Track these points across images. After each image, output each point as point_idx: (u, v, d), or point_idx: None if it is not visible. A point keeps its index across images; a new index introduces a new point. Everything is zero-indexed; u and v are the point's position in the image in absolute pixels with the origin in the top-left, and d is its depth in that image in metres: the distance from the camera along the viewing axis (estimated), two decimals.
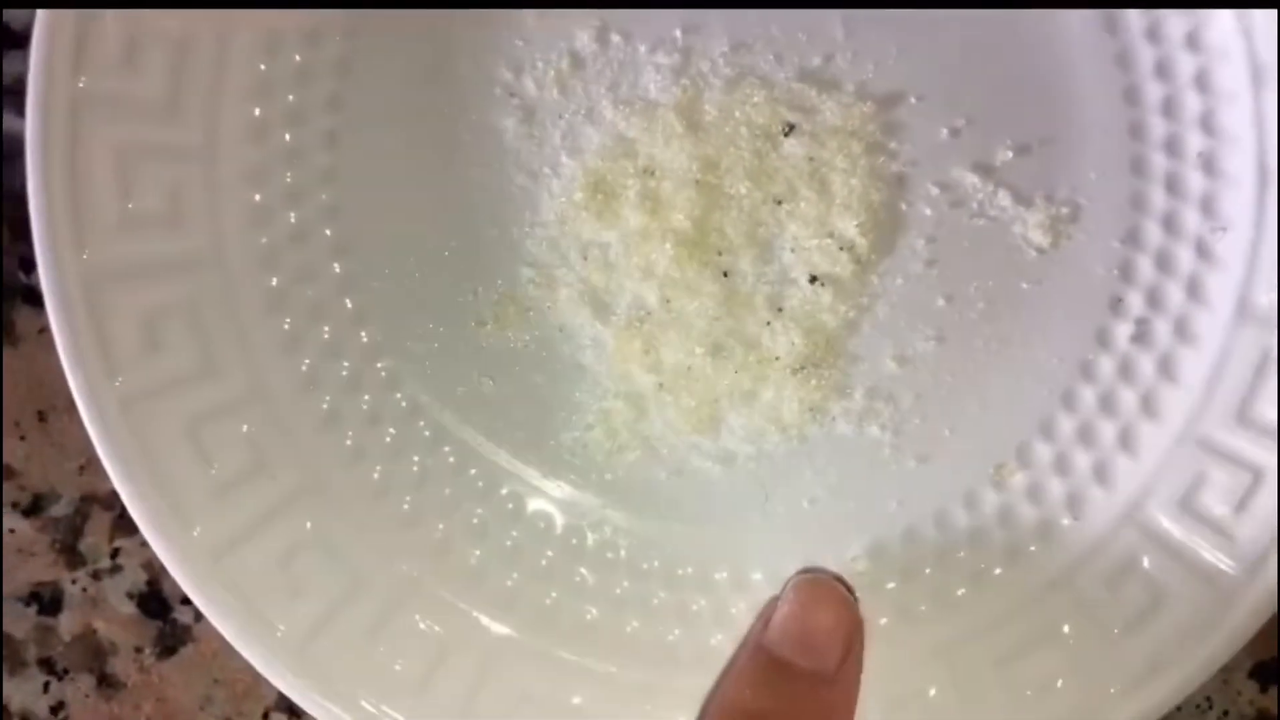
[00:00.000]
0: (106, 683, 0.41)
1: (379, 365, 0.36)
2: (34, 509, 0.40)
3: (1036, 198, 0.35)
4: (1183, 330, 0.35)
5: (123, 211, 0.33)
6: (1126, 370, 0.35)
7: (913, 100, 0.35)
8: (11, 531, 0.40)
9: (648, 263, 0.35)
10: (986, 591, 0.35)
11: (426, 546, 0.36)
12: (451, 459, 0.36)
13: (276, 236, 0.35)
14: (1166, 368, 0.35)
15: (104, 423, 0.33)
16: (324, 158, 0.35)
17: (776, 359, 0.35)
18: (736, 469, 0.36)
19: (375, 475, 0.36)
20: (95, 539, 0.40)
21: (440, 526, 0.36)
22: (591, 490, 0.37)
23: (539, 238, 0.36)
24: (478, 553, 0.36)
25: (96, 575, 0.40)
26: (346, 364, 0.36)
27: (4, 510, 0.40)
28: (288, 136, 0.35)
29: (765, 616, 0.35)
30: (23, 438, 0.40)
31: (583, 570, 0.36)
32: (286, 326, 0.35)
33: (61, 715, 0.41)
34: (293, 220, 0.35)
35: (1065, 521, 0.35)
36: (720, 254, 0.35)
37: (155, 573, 0.40)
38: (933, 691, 0.35)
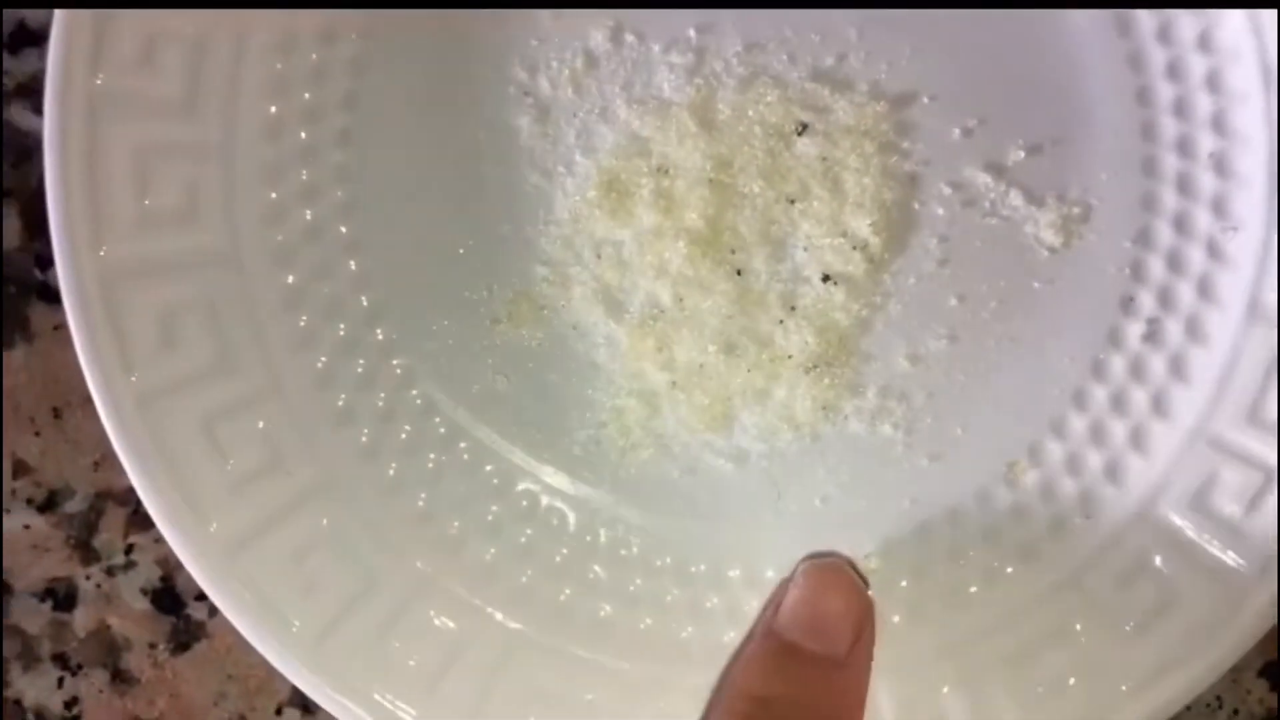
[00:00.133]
0: (120, 678, 0.41)
1: (394, 362, 0.36)
2: (49, 505, 0.40)
3: (1048, 197, 0.35)
4: (1194, 330, 0.35)
5: (140, 209, 0.33)
6: (1138, 369, 0.35)
7: (925, 100, 0.35)
8: (26, 527, 0.40)
9: (661, 261, 0.35)
10: (998, 590, 0.35)
11: (441, 543, 0.36)
12: (466, 456, 0.37)
13: (292, 234, 0.35)
14: (1178, 367, 0.35)
15: (120, 418, 0.33)
16: (339, 155, 0.36)
17: (789, 357, 0.36)
18: (749, 467, 0.36)
19: (390, 472, 0.36)
20: (109, 535, 0.41)
21: (455, 523, 0.36)
22: (605, 488, 0.37)
23: (553, 236, 0.36)
24: (492, 550, 0.36)
25: (111, 571, 0.41)
26: (362, 361, 0.36)
27: (19, 506, 0.40)
28: (303, 134, 0.35)
29: (775, 601, 0.35)
30: (37, 434, 0.40)
31: (596, 567, 0.36)
32: (302, 324, 0.35)
33: (75, 711, 0.41)
34: (308, 218, 0.35)
35: (1077, 520, 0.35)
36: (733, 252, 0.36)
37: (169, 569, 0.41)
38: (944, 690, 0.35)
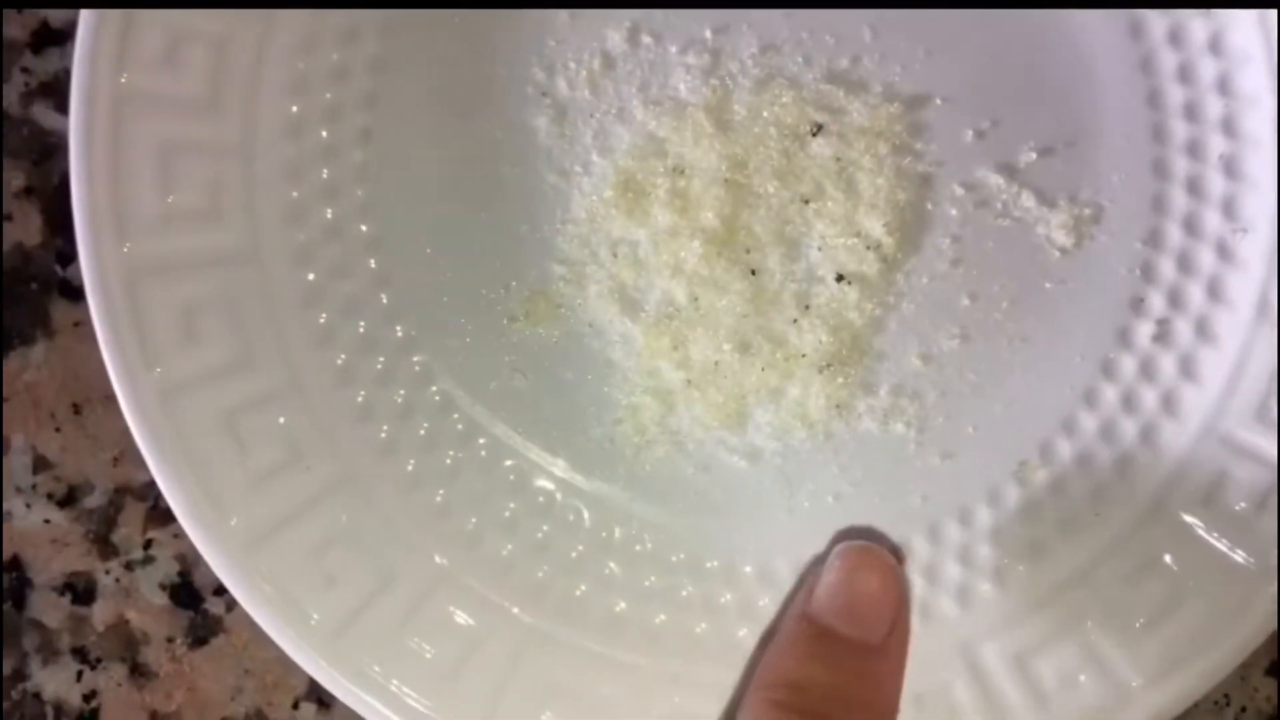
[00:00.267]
0: (138, 672, 0.41)
1: (413, 359, 0.37)
2: (68, 500, 0.41)
3: (1060, 199, 0.36)
4: (1203, 330, 0.35)
5: (163, 206, 0.34)
6: (1148, 369, 0.36)
7: (939, 102, 0.36)
8: (46, 522, 0.41)
9: (677, 260, 0.36)
10: (1009, 587, 0.36)
11: (459, 538, 0.36)
12: (484, 453, 0.37)
13: (313, 232, 0.36)
14: (1187, 367, 0.35)
15: (142, 413, 0.34)
16: (360, 154, 0.36)
17: (803, 356, 0.36)
18: (763, 464, 0.37)
19: (409, 468, 0.36)
20: (128, 530, 0.41)
21: (472, 519, 0.36)
22: (620, 484, 0.37)
23: (570, 235, 0.36)
24: (509, 545, 0.36)
25: (129, 566, 0.41)
26: (381, 358, 0.36)
27: (39, 501, 0.41)
28: (324, 133, 0.36)
29: (810, 583, 0.35)
30: (58, 429, 0.40)
31: (611, 563, 0.37)
32: (322, 321, 0.36)
33: (94, 704, 0.41)
34: (329, 216, 0.36)
35: (1087, 518, 0.35)
36: (748, 252, 0.36)
37: (187, 564, 0.41)
38: (956, 685, 0.35)
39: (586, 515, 0.37)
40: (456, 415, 0.37)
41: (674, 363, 0.36)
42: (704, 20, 0.36)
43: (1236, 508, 0.34)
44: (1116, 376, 0.36)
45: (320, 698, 0.41)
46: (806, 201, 0.36)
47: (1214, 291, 0.35)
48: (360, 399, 0.36)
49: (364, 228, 0.36)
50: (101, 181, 0.33)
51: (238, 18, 0.34)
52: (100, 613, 0.41)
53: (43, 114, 0.40)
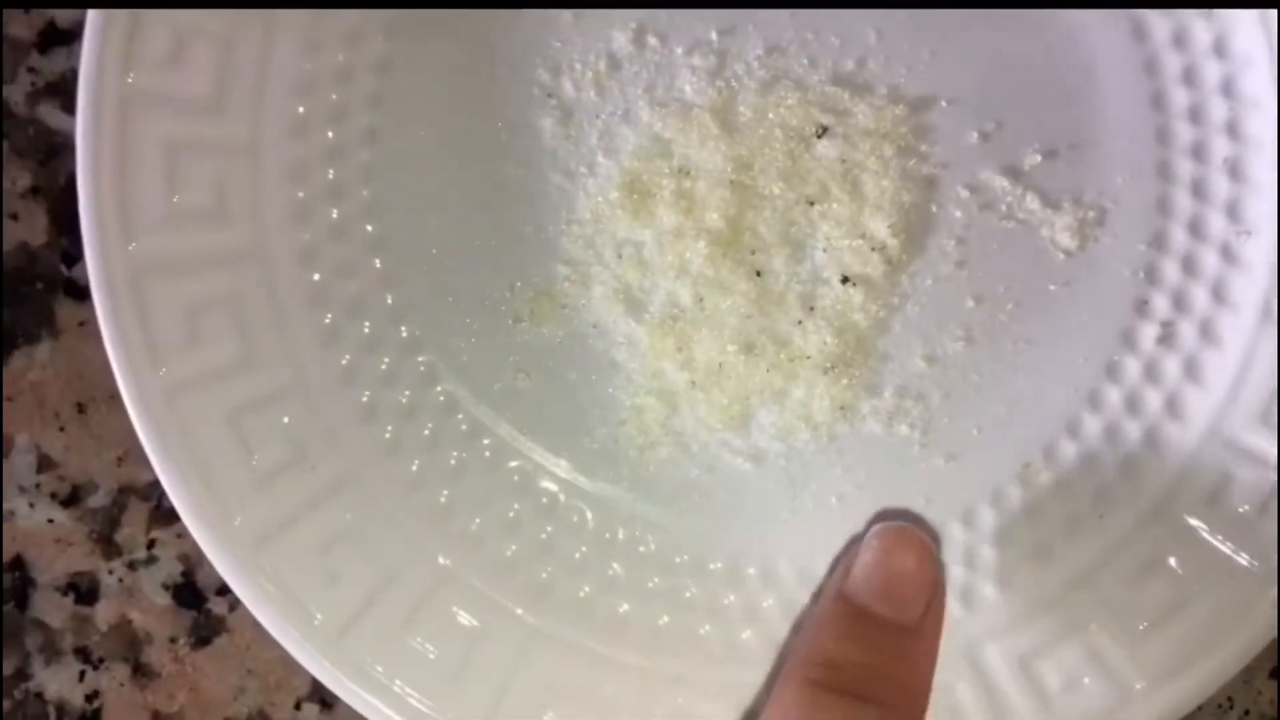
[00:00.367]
0: (141, 672, 0.41)
1: (418, 360, 0.37)
2: (72, 499, 0.41)
3: (1064, 201, 0.36)
4: (1207, 332, 0.35)
5: (169, 205, 0.34)
6: (1152, 371, 0.36)
7: (944, 104, 0.36)
8: (50, 521, 0.41)
9: (681, 261, 0.36)
10: (1013, 589, 0.36)
11: (462, 539, 0.36)
12: (488, 453, 0.37)
13: (318, 232, 0.36)
14: (1191, 369, 0.35)
15: (147, 412, 0.34)
16: (365, 155, 0.36)
17: (808, 357, 0.36)
18: (767, 466, 0.37)
19: (413, 468, 0.36)
20: (132, 530, 0.41)
21: (476, 520, 0.36)
22: (624, 485, 0.37)
23: (575, 236, 0.36)
24: (513, 546, 0.36)
25: (133, 566, 0.41)
26: (386, 358, 0.36)
27: (43, 500, 0.41)
28: (330, 134, 0.36)
29: (846, 563, 0.35)
30: (62, 429, 0.40)
31: (615, 565, 0.37)
32: (327, 321, 0.36)
33: (96, 704, 0.41)
34: (334, 216, 0.36)
35: (1091, 520, 0.35)
36: (753, 253, 0.36)
37: (191, 564, 0.41)
38: (959, 687, 0.35)
39: (590, 516, 0.37)
40: (461, 416, 0.37)
41: (678, 364, 0.36)
42: (709, 22, 0.36)
43: (1240, 510, 0.34)
44: (1120, 378, 0.36)
45: (323, 698, 0.41)
46: (811, 203, 0.36)
47: (1218, 294, 0.35)
48: (365, 399, 0.36)
49: (369, 228, 0.36)
50: (107, 181, 0.33)
51: (244, 18, 0.34)
52: (103, 612, 0.41)
53: (49, 114, 0.40)
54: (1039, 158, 0.36)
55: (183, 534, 0.40)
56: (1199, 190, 0.35)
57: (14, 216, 0.40)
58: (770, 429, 0.37)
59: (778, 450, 0.37)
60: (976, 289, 0.36)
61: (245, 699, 0.41)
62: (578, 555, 0.37)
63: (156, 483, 0.34)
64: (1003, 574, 0.36)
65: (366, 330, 0.36)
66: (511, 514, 0.37)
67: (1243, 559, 0.34)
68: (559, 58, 0.36)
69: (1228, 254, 0.35)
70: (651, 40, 0.36)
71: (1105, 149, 0.36)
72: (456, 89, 0.36)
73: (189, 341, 0.34)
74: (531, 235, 0.37)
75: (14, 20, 0.39)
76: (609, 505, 0.37)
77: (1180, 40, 0.35)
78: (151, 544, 0.41)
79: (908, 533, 0.35)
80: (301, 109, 0.35)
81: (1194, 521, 0.35)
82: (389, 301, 0.36)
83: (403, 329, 0.37)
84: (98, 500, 0.41)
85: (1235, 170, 0.35)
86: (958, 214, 0.36)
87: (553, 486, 0.37)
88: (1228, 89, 0.35)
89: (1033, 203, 0.36)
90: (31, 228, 0.40)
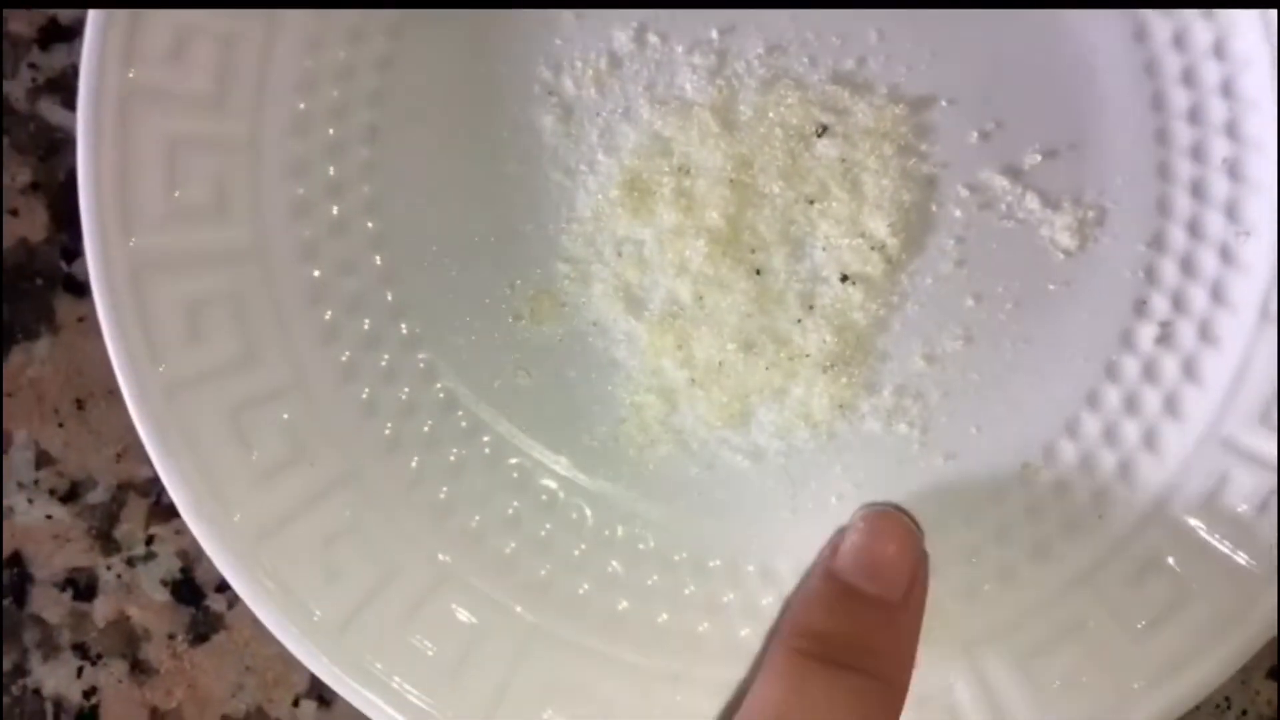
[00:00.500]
0: (139, 669, 0.41)
1: (418, 357, 0.37)
2: (71, 496, 0.41)
3: (1064, 201, 0.36)
4: (1206, 332, 0.35)
5: (169, 201, 0.34)
6: (1151, 371, 0.36)
7: (944, 103, 0.36)
8: (48, 517, 0.41)
9: (681, 259, 0.36)
10: (1012, 588, 0.36)
11: (462, 536, 0.36)
12: (487, 450, 0.37)
13: (318, 229, 0.36)
14: (1190, 369, 0.35)
15: (147, 408, 0.34)
16: (366, 152, 0.36)
17: (807, 356, 0.36)
18: (766, 464, 0.37)
19: (413, 465, 0.36)
20: (131, 526, 0.41)
21: (475, 517, 0.36)
22: (623, 483, 0.37)
23: (575, 234, 0.37)
24: (512, 543, 0.36)
25: (131, 562, 0.41)
26: (386, 355, 0.36)
27: (42, 496, 0.41)
28: (331, 130, 0.36)
29: (833, 545, 0.36)
30: (61, 425, 0.40)
31: (614, 562, 0.37)
32: (327, 317, 0.36)
33: (94, 700, 0.41)
34: (335, 213, 0.36)
35: (1090, 519, 0.36)
36: (753, 252, 0.36)
37: (189, 560, 0.41)
38: (957, 686, 0.35)
39: (589, 514, 0.37)
40: (460, 413, 0.37)
41: (678, 362, 0.36)
42: (710, 20, 0.36)
43: (1239, 510, 0.34)
44: (1119, 378, 0.36)
45: (321, 695, 0.41)
46: (811, 202, 0.36)
47: (1217, 294, 0.35)
48: (364, 396, 0.36)
49: (369, 225, 0.36)
50: (108, 177, 0.33)
51: (245, 16, 0.34)
52: (101, 609, 0.41)
53: (49, 110, 0.40)
54: (1039, 157, 0.36)
55: (181, 530, 0.40)
56: (1198, 191, 0.35)
57: (14, 212, 0.40)
58: (770, 427, 0.37)
59: (777, 448, 0.37)
60: (976, 288, 0.36)
61: (243, 696, 0.41)
62: (577, 553, 0.37)
63: (155, 479, 0.34)
64: (1002, 573, 0.36)
65: (366, 327, 0.36)
66: (511, 511, 0.37)
67: (1241, 559, 0.34)
68: (560, 56, 0.36)
69: (1227, 255, 0.35)
70: (652, 39, 0.36)
71: (1105, 149, 0.36)
72: (457, 86, 0.36)
73: (189, 338, 0.34)
74: (532, 233, 0.37)
75: (15, 16, 0.39)
76: (608, 503, 0.37)
77: (1180, 41, 0.35)
78: (150, 540, 0.41)
79: (892, 516, 0.36)
80: (302, 106, 0.35)
81: (1192, 521, 0.35)
82: (389, 298, 0.36)
83: (403, 326, 0.37)
84: (96, 496, 0.41)
85: (1234, 171, 0.35)
86: (957, 213, 0.36)
87: (552, 484, 0.37)
88: (1227, 89, 0.35)
89: (1032, 202, 0.36)
90: (31, 223, 0.40)
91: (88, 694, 0.41)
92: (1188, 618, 0.34)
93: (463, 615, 0.36)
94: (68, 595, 0.41)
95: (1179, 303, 0.36)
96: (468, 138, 0.36)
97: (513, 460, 0.37)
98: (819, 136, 0.36)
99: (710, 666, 0.36)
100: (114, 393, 0.34)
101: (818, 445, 0.37)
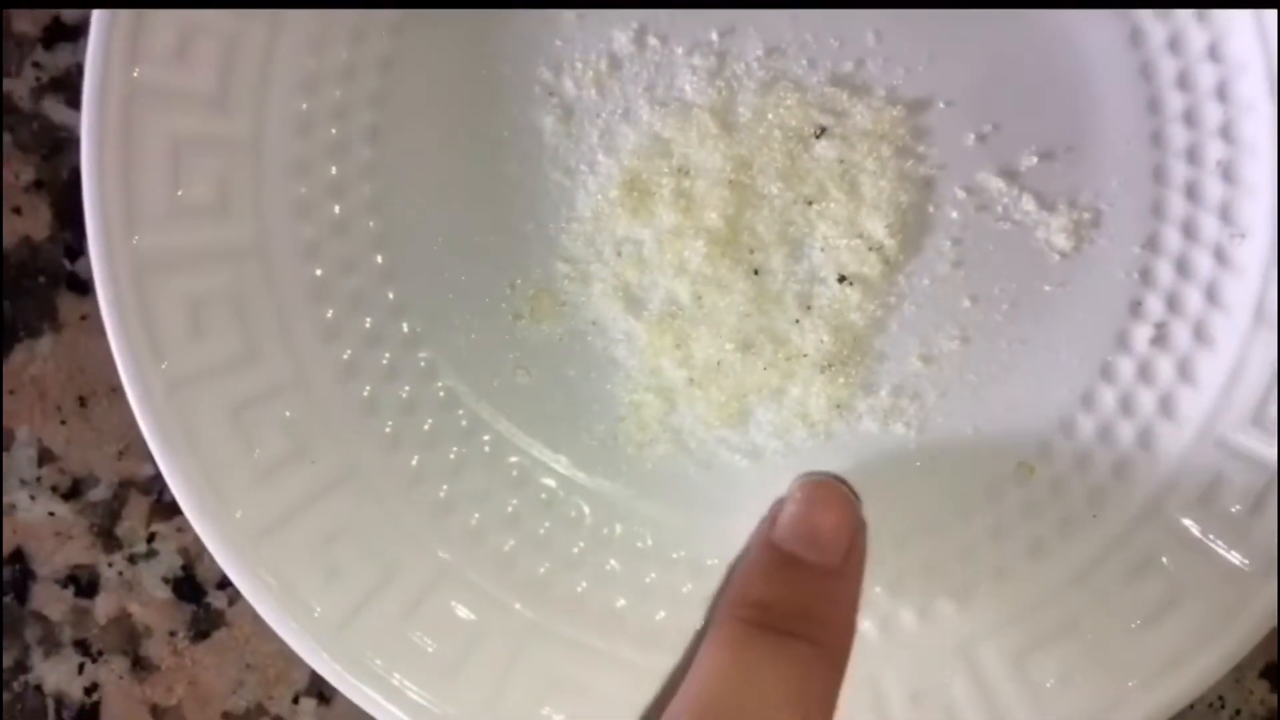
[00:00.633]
0: (140, 665, 0.41)
1: (418, 355, 0.37)
2: (73, 493, 0.41)
3: (1060, 203, 0.36)
4: (1201, 334, 0.36)
5: (172, 200, 0.34)
6: (1146, 372, 0.36)
7: (941, 106, 0.36)
8: (50, 514, 0.41)
9: (680, 259, 0.36)
10: (1007, 586, 0.36)
11: (462, 533, 0.36)
12: (487, 449, 0.37)
13: (320, 228, 0.36)
14: (1185, 370, 0.36)
15: (150, 405, 0.34)
16: (367, 151, 0.36)
17: (805, 356, 0.36)
18: (764, 463, 0.37)
19: (413, 463, 0.36)
20: (132, 523, 0.41)
21: (475, 515, 0.37)
22: (621, 481, 0.37)
23: (574, 233, 0.37)
24: (511, 541, 0.37)
25: (133, 559, 0.41)
26: (387, 354, 0.37)
27: (44, 493, 0.41)
28: (333, 130, 0.36)
29: (773, 516, 0.36)
30: (63, 422, 0.41)
31: (612, 560, 0.37)
32: (329, 316, 0.36)
33: (95, 697, 0.41)
34: (336, 212, 0.36)
35: (1085, 519, 0.36)
36: (751, 252, 0.36)
37: (190, 557, 0.41)
38: (953, 684, 0.35)
39: (588, 512, 0.37)
40: (461, 411, 0.37)
41: (676, 361, 0.37)
42: (710, 22, 0.36)
43: (1233, 510, 0.35)
44: (1115, 379, 0.36)
45: (321, 692, 0.41)
46: (810, 203, 0.36)
47: (1212, 296, 0.35)
48: (365, 394, 0.36)
49: (371, 224, 0.36)
50: (111, 175, 0.33)
51: (248, 16, 0.34)
52: (102, 606, 0.41)
53: (53, 108, 0.40)
54: (1035, 160, 0.36)
55: (183, 528, 0.40)
56: (1193, 193, 0.36)
57: (17, 210, 0.40)
58: (767, 426, 0.37)
59: (775, 448, 0.37)
60: (972, 289, 0.36)
61: (244, 692, 0.41)
62: (576, 550, 0.37)
63: (157, 476, 0.34)
64: (998, 572, 0.36)
65: (367, 325, 0.36)
66: (510, 509, 0.37)
67: (1235, 558, 0.34)
68: (560, 57, 0.36)
69: (1221, 256, 0.35)
70: (652, 40, 0.36)
71: (1101, 152, 0.36)
72: (458, 87, 0.36)
73: (191, 336, 0.34)
74: (532, 233, 0.37)
75: (19, 15, 0.39)
76: (607, 501, 0.37)
77: (1176, 44, 0.35)
78: (152, 537, 0.41)
79: (829, 485, 0.36)
80: (305, 105, 0.35)
81: (1187, 521, 0.35)
82: (390, 297, 0.37)
83: (404, 325, 0.37)
84: (98, 494, 0.41)
85: (1229, 173, 0.35)
86: (954, 215, 0.36)
87: (551, 482, 0.37)
88: (1222, 92, 0.35)
89: (1029, 204, 0.36)
90: (34, 222, 0.40)
91: (89, 690, 0.41)
92: (1182, 616, 0.34)
93: (462, 612, 0.36)
94: (69, 592, 0.41)
95: (1174, 304, 0.36)
96: (468, 138, 0.36)
97: (512, 458, 0.37)
98: (817, 138, 0.36)
99: None
100: (116, 390, 0.34)
101: (815, 445, 0.37)
